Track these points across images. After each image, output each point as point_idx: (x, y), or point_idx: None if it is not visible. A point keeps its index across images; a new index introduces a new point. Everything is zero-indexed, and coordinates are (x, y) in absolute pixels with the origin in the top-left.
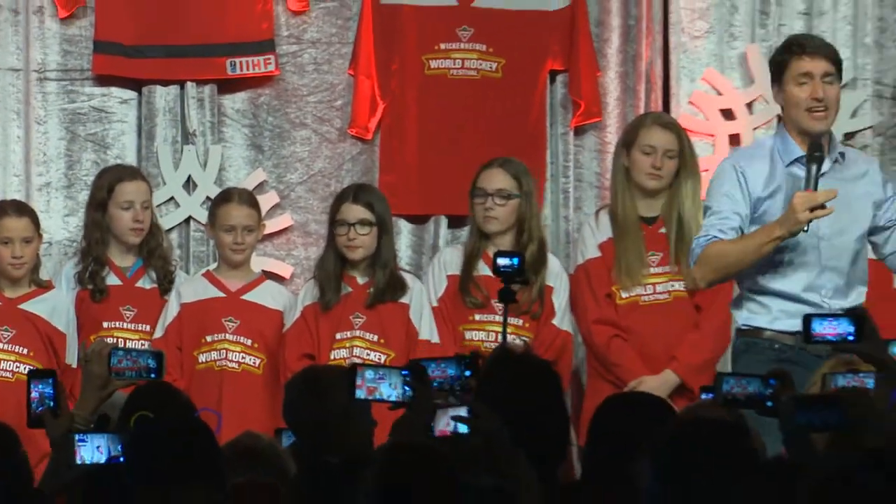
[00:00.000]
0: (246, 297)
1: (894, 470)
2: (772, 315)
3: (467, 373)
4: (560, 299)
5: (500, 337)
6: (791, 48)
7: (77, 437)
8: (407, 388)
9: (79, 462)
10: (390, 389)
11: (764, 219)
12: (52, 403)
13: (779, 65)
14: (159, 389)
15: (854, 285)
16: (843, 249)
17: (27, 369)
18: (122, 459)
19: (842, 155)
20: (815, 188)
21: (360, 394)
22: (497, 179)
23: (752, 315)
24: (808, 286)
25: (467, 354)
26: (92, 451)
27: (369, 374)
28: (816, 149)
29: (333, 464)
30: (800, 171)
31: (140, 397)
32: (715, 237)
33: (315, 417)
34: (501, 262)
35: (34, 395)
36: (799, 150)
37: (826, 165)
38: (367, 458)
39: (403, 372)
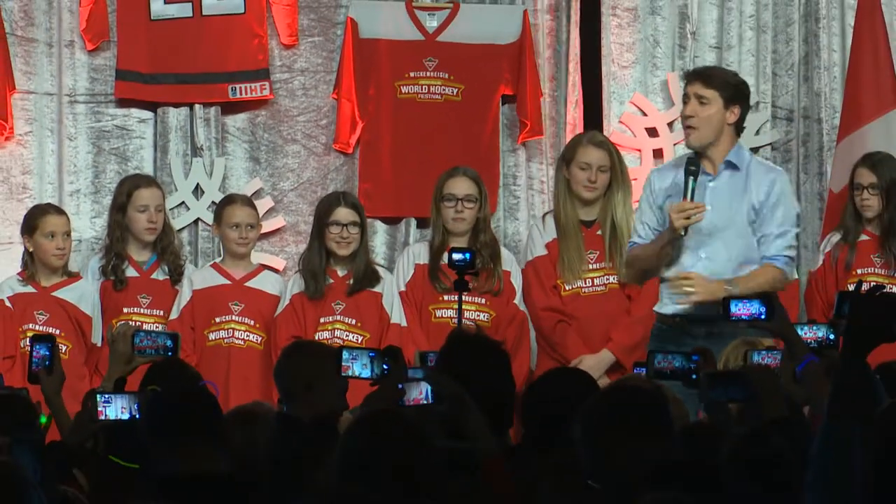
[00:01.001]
0: (249, 283)
1: (793, 435)
2: (662, 302)
3: None
4: (517, 280)
5: (460, 318)
6: (684, 75)
7: (100, 396)
8: (376, 368)
9: (101, 419)
10: (361, 368)
11: (666, 222)
12: (48, 363)
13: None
14: (171, 364)
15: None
16: (722, 244)
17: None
18: (138, 416)
19: (732, 165)
20: (691, 198)
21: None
22: (464, 186)
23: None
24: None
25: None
26: (116, 410)
27: (345, 354)
28: (692, 163)
29: (305, 422)
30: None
31: (156, 370)
32: (634, 243)
33: (298, 376)
34: (456, 256)
35: (35, 355)
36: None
37: (717, 176)
38: (337, 418)
39: (371, 353)
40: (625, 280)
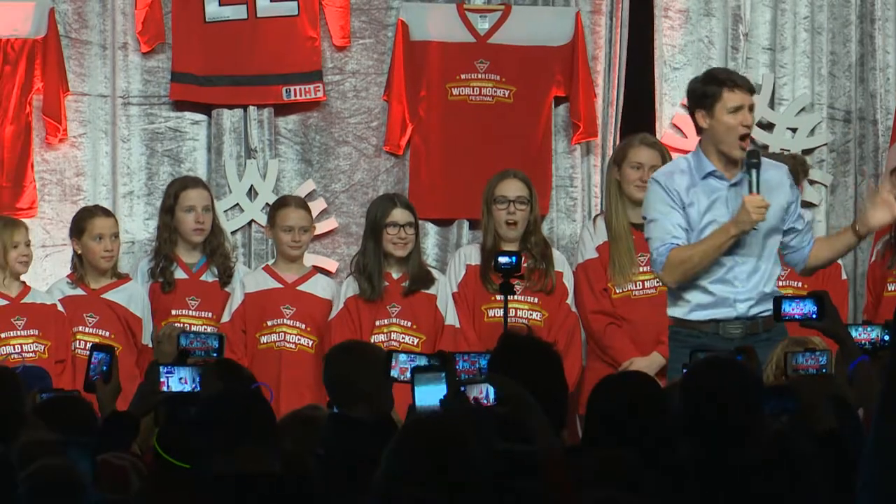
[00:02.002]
0: (301, 287)
1: (841, 448)
2: (689, 307)
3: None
4: (569, 281)
5: (506, 320)
6: (724, 82)
7: (163, 368)
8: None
9: (165, 389)
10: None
11: (693, 222)
12: (105, 370)
13: (711, 96)
14: (227, 365)
15: (764, 275)
16: (755, 246)
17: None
18: (198, 388)
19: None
20: (757, 191)
21: (395, 373)
22: (516, 188)
23: (674, 307)
24: (719, 279)
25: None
26: (177, 381)
27: (402, 357)
28: (754, 156)
29: (359, 419)
30: (716, 182)
31: (213, 370)
32: (673, 244)
33: (349, 376)
34: (502, 260)
35: (93, 362)
36: (711, 166)
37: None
38: (388, 420)
39: (429, 358)
40: (664, 282)
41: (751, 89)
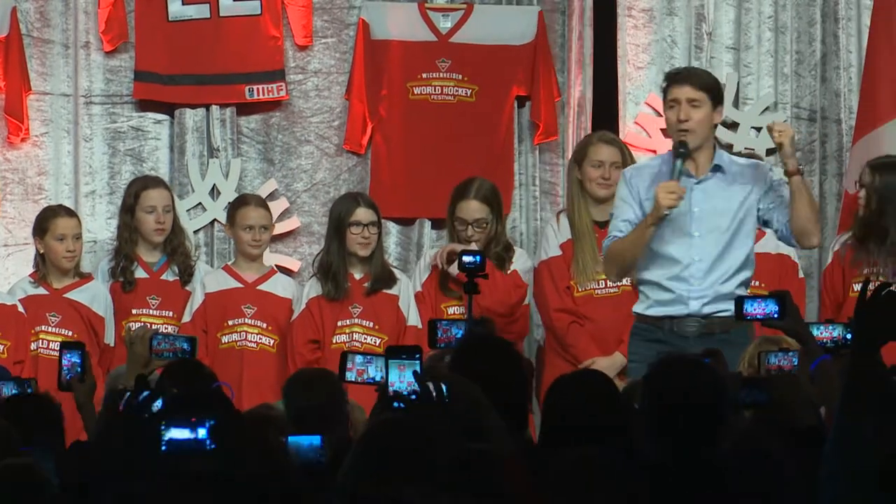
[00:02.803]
0: (261, 287)
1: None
2: (648, 303)
3: None
4: (523, 265)
5: (470, 318)
6: (668, 77)
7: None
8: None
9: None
10: (376, 371)
11: None
12: (79, 370)
13: (663, 92)
14: (188, 364)
15: (725, 275)
16: (713, 245)
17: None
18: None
19: (720, 168)
20: (678, 179)
21: (350, 376)
22: (474, 210)
23: (638, 303)
24: (676, 276)
25: (478, 318)
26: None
27: (359, 359)
28: (681, 145)
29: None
30: (684, 180)
31: (173, 370)
32: (615, 237)
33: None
34: (467, 259)
35: (65, 363)
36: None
37: (704, 178)
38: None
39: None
40: (608, 276)
41: (697, 84)
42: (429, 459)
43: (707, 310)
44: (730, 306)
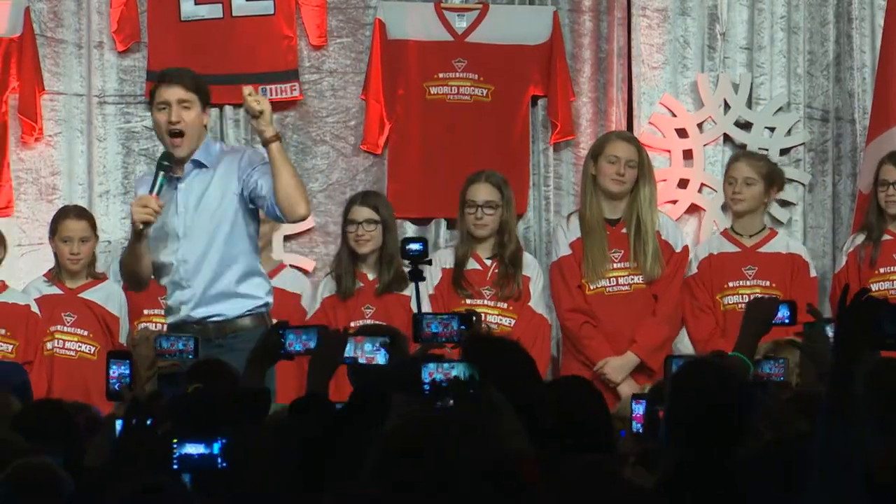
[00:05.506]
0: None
1: None
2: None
3: (463, 326)
4: (535, 286)
5: (419, 308)
6: (157, 78)
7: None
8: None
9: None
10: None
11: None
12: (128, 381)
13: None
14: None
15: (217, 276)
16: (198, 245)
17: (86, 348)
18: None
19: (200, 164)
20: (158, 194)
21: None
22: (485, 192)
23: None
24: (173, 282)
25: (464, 312)
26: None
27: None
28: (164, 158)
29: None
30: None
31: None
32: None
33: None
34: (412, 247)
35: (112, 373)
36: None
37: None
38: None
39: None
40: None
41: (189, 85)
42: (444, 463)
43: (199, 313)
44: (228, 308)
